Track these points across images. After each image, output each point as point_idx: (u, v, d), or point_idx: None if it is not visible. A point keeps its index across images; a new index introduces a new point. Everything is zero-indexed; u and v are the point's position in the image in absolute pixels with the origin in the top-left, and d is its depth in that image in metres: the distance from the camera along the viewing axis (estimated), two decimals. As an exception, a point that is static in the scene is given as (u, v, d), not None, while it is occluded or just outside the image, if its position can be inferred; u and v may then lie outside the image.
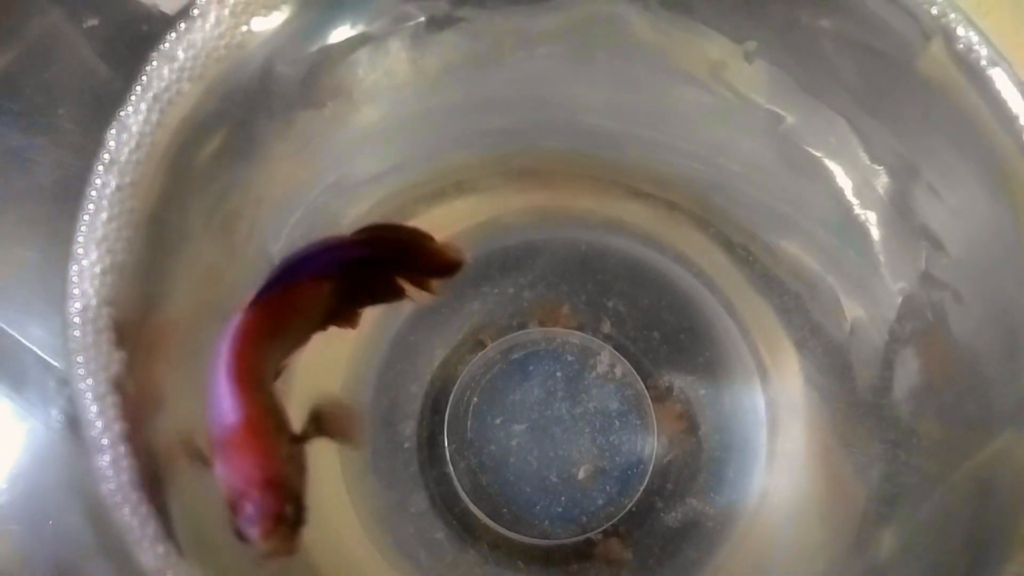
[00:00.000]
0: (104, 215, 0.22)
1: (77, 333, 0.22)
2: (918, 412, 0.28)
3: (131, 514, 0.21)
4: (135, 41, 0.25)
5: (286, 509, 0.20)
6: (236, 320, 0.22)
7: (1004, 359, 0.26)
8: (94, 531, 0.21)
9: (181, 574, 0.21)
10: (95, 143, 0.24)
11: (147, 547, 0.21)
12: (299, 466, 0.21)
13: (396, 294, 0.27)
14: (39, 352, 0.24)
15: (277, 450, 0.21)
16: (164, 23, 0.24)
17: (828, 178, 0.29)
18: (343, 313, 0.27)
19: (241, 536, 0.20)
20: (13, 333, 0.25)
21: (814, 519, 0.31)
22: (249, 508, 0.20)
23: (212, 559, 0.22)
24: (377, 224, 0.27)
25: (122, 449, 0.21)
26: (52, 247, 0.25)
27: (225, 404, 0.21)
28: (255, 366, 0.22)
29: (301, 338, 0.25)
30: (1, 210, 0.26)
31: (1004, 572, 0.23)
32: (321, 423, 0.23)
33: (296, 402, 0.25)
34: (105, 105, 0.24)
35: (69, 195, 0.24)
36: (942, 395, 0.27)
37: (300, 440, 0.22)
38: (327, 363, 0.33)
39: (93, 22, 0.25)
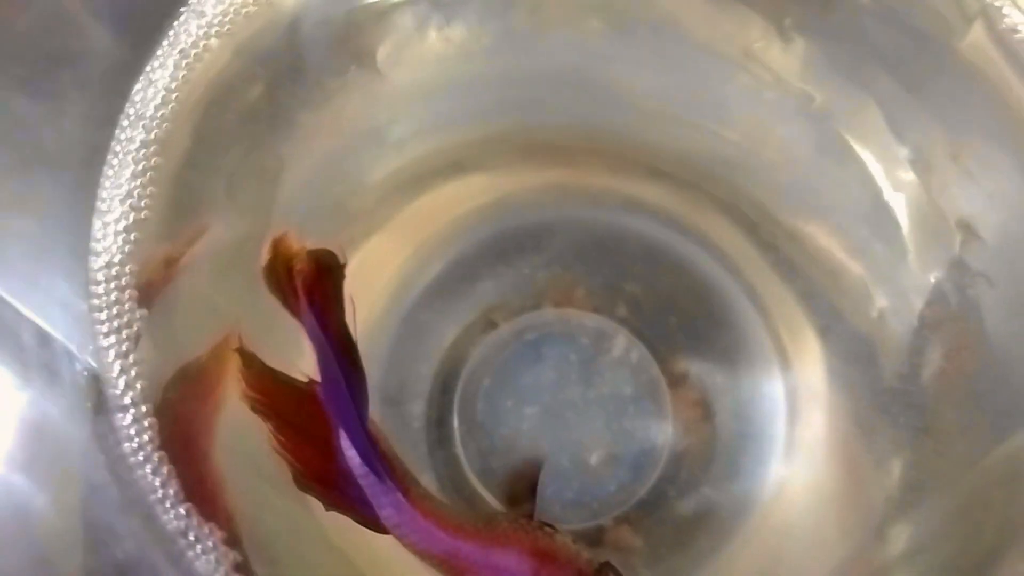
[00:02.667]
0: (128, 171, 0.22)
1: (100, 290, 0.21)
2: (947, 399, 0.27)
3: (153, 474, 0.20)
4: (142, 9, 0.24)
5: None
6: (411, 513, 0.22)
7: (1037, 345, 0.26)
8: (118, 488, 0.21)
9: (202, 535, 0.20)
10: (99, 111, 0.23)
11: (168, 507, 0.20)
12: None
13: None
14: (40, 322, 0.24)
15: (569, 548, 0.22)
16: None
17: (858, 162, 0.28)
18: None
19: None
20: (14, 303, 0.24)
21: (832, 509, 0.30)
22: None
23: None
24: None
25: (144, 408, 0.20)
26: (54, 217, 0.24)
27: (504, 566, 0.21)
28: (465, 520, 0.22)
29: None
30: (3, 178, 0.25)
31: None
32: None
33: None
34: (110, 73, 0.24)
35: (73, 164, 0.24)
36: (972, 381, 0.27)
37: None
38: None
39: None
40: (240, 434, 0.22)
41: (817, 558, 0.30)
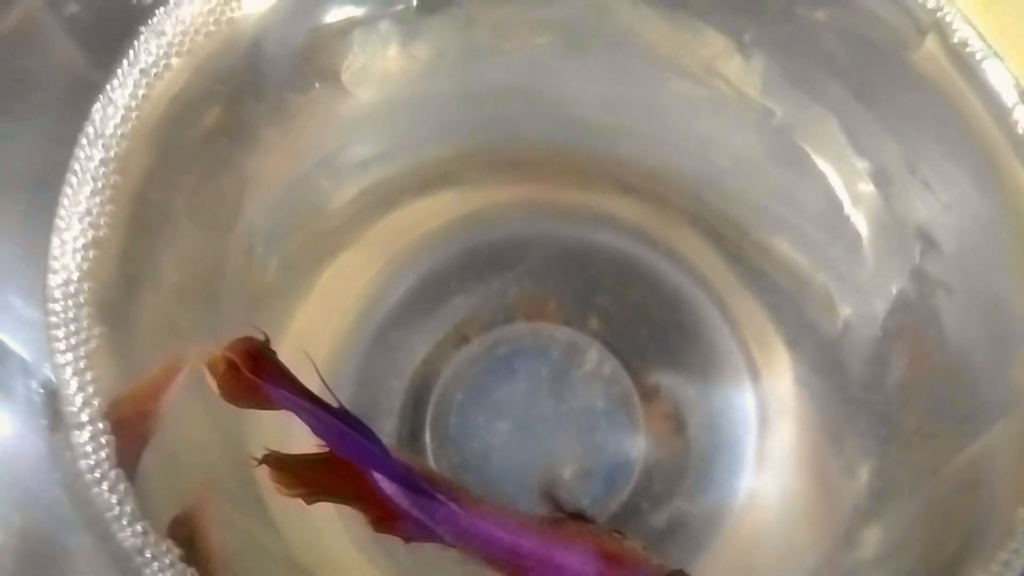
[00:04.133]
0: (87, 188, 0.22)
1: (57, 307, 0.21)
2: (909, 407, 0.27)
3: (110, 491, 0.20)
4: (114, 29, 0.24)
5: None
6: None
7: (994, 353, 0.26)
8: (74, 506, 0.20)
9: (160, 553, 0.20)
10: (73, 131, 0.23)
11: (125, 524, 0.20)
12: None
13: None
14: (13, 346, 0.24)
15: (638, 553, 0.22)
16: (143, 12, 0.24)
17: (819, 174, 0.29)
18: None
19: None
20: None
21: (802, 518, 0.31)
22: None
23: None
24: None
25: (101, 426, 0.20)
26: (28, 239, 0.24)
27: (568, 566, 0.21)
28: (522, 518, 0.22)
29: None
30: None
31: (995, 560, 0.23)
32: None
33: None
34: (83, 93, 0.24)
35: (46, 185, 0.24)
36: (933, 390, 0.27)
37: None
38: (306, 357, 0.32)
39: (73, 9, 0.24)
40: (198, 452, 0.22)
41: (788, 567, 0.30)
